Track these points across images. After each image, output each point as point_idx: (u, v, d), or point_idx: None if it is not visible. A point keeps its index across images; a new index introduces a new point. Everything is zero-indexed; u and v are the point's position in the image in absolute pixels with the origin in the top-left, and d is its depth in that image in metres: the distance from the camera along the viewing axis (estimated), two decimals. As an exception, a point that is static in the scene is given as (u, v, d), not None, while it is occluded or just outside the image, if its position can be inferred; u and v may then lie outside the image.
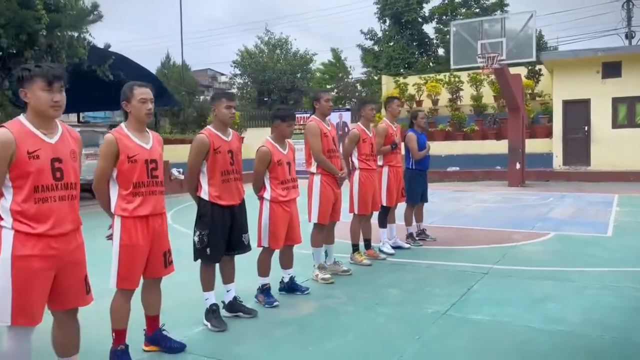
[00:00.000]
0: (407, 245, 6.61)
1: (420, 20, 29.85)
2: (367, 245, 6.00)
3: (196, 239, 3.82)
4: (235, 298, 4.09)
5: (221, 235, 3.83)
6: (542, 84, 19.17)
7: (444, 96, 20.42)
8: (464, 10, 29.33)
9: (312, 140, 4.98)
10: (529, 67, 18.95)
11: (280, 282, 4.72)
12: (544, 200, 11.45)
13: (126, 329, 3.21)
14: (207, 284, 3.94)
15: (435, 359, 3.36)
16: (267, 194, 4.34)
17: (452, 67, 14.19)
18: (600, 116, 16.68)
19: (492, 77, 18.72)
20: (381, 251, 6.16)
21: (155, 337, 3.42)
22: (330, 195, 5.02)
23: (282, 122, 4.43)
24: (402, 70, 28.54)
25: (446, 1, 29.96)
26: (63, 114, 2.84)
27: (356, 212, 5.71)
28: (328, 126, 5.09)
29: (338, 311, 4.30)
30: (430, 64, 29.14)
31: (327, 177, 5.00)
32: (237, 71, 39.29)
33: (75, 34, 10.88)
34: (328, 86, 33.61)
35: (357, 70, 34.24)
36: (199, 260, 3.91)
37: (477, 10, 29.29)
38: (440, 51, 30.64)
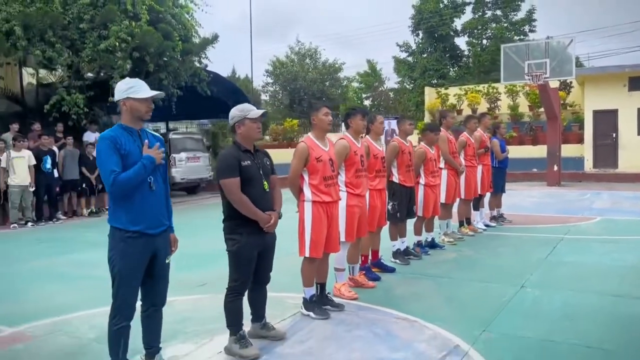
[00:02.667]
0: (493, 224, 8.87)
1: (452, 33, 32.06)
2: (468, 222, 8.27)
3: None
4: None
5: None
6: (572, 95, 21.31)
7: (483, 105, 22.60)
8: (494, 25, 31.48)
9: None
10: (561, 80, 21.06)
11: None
12: (582, 196, 13.60)
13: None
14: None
15: (550, 280, 5.59)
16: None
17: (503, 82, 16.41)
18: (627, 124, 18.79)
19: (527, 88, 20.99)
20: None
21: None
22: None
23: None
24: (435, 81, 30.77)
25: (477, 16, 32.13)
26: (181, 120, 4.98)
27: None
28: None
29: (472, 257, 6.58)
30: (464, 74, 31.27)
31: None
32: (269, 80, 41.56)
33: (196, 59, 13.33)
34: (364, 95, 35.98)
35: (391, 80, 36.39)
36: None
37: (506, 24, 31.43)
38: (471, 62, 32.77)
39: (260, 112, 3.61)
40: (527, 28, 31.16)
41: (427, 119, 23.29)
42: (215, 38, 13.18)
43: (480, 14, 32.23)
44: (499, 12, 31.69)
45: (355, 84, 38.06)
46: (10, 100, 13.56)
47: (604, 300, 4.70)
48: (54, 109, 11.77)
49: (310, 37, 54.01)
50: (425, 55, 32.45)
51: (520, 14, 31.35)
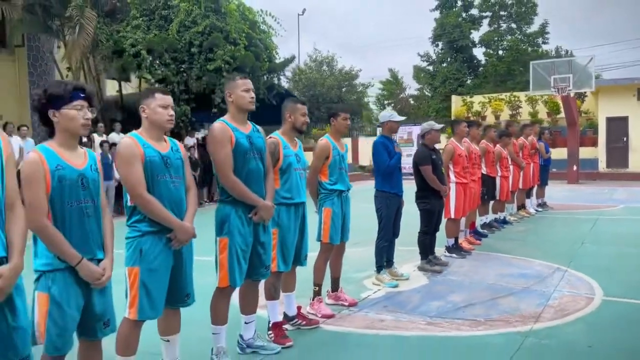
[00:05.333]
0: (540, 209, 11.30)
1: (470, 45, 34.58)
2: (523, 207, 10.69)
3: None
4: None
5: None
6: (587, 103, 23.76)
7: (506, 113, 25.04)
8: (509, 37, 34.02)
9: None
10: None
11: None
12: (602, 191, 16.02)
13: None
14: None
15: (600, 241, 7.99)
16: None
17: (531, 93, 18.89)
18: (637, 130, 21.25)
19: (545, 97, 23.46)
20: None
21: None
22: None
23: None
24: (455, 89, 33.25)
25: (492, 29, 34.67)
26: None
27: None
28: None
29: (536, 230, 9.01)
30: (480, 83, 33.74)
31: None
32: (289, 86, 43.92)
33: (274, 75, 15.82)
34: (386, 102, 38.44)
35: (411, 87, 38.91)
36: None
37: (520, 36, 33.97)
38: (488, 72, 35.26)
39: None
40: (540, 40, 33.67)
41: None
42: (292, 59, 15.64)
43: (495, 26, 34.77)
44: (513, 25, 34.21)
45: (375, 90, 40.46)
46: (116, 109, 16.03)
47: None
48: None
49: (327, 46, 56.63)
50: (445, 64, 34.94)
51: (534, 27, 33.88)
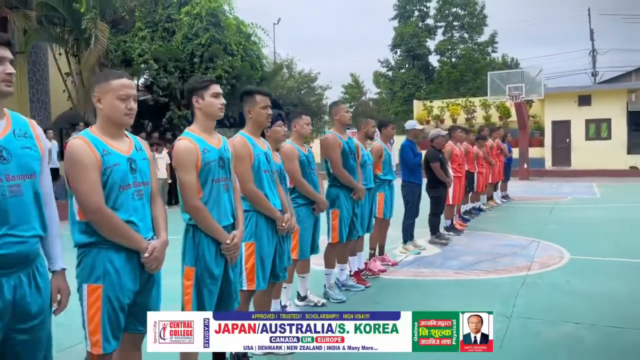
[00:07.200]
0: (505, 200, 13.37)
1: (426, 53, 37.09)
2: (491, 198, 12.72)
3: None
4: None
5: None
6: (534, 108, 26.46)
7: (462, 116, 27.45)
8: (462, 45, 36.75)
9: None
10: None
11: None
12: (551, 186, 18.41)
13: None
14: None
15: (560, 221, 10.05)
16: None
17: (489, 100, 21.21)
18: (577, 132, 24.05)
19: (497, 102, 25.98)
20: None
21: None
22: None
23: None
24: (412, 93, 35.63)
25: (446, 38, 37.32)
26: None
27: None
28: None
29: (506, 216, 11.01)
30: (436, 88, 36.29)
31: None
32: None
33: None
34: (348, 105, 40.40)
35: (372, 91, 41.14)
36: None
37: (473, 46, 36.76)
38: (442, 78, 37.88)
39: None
40: (490, 49, 36.56)
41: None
42: (282, 67, 17.19)
43: (449, 35, 37.43)
44: (466, 35, 36.98)
45: (336, 93, 42.38)
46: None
47: (591, 227, 9.24)
48: (169, 122, 15.53)
49: (287, 49, 58.44)
50: (403, 70, 37.31)
51: (484, 37, 36.77)
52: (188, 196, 2.80)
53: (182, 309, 2.88)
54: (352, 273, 5.55)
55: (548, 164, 24.63)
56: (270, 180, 3.50)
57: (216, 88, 2.94)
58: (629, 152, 23.49)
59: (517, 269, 6.18)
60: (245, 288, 3.37)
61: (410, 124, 7.23)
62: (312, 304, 4.83)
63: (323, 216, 4.73)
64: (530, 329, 4.20)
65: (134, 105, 2.40)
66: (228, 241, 2.87)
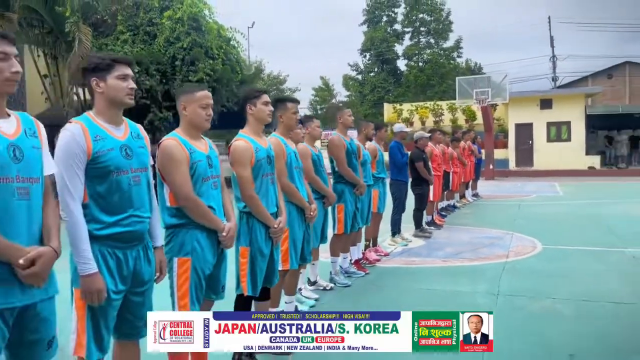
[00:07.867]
0: (475, 198, 14.21)
1: (395, 57, 38.12)
2: (463, 196, 13.53)
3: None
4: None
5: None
6: (498, 112, 27.64)
7: (430, 119, 28.42)
8: (429, 50, 37.91)
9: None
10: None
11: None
12: (515, 185, 19.44)
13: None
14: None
15: (528, 216, 10.89)
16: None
17: (457, 104, 22.17)
18: (539, 134, 25.32)
19: (464, 106, 27.08)
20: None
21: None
22: None
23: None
24: (383, 96, 36.56)
25: (413, 43, 38.44)
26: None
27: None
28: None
29: (478, 212, 11.80)
30: (404, 92, 37.31)
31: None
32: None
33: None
34: (319, 107, 41.11)
35: (341, 94, 41.99)
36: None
37: (439, 51, 37.96)
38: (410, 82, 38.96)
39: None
40: (455, 54, 37.84)
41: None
42: (261, 71, 17.67)
43: (416, 40, 38.54)
44: (432, 40, 38.16)
45: (307, 95, 43.10)
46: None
47: (557, 221, 10.08)
48: (150, 124, 15.79)
49: (255, 51, 58.84)
50: (372, 74, 38.22)
51: (450, 42, 38.04)
52: (245, 188, 3.32)
53: (237, 284, 3.43)
54: (352, 261, 6.12)
55: (512, 165, 25.80)
56: (299, 175, 4.04)
57: (266, 97, 3.44)
58: (587, 153, 24.90)
59: (497, 257, 6.87)
60: (280, 268, 3.80)
61: (398, 127, 7.87)
62: (322, 287, 5.38)
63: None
64: (516, 303, 4.87)
65: (211, 112, 2.90)
66: (275, 225, 3.40)
